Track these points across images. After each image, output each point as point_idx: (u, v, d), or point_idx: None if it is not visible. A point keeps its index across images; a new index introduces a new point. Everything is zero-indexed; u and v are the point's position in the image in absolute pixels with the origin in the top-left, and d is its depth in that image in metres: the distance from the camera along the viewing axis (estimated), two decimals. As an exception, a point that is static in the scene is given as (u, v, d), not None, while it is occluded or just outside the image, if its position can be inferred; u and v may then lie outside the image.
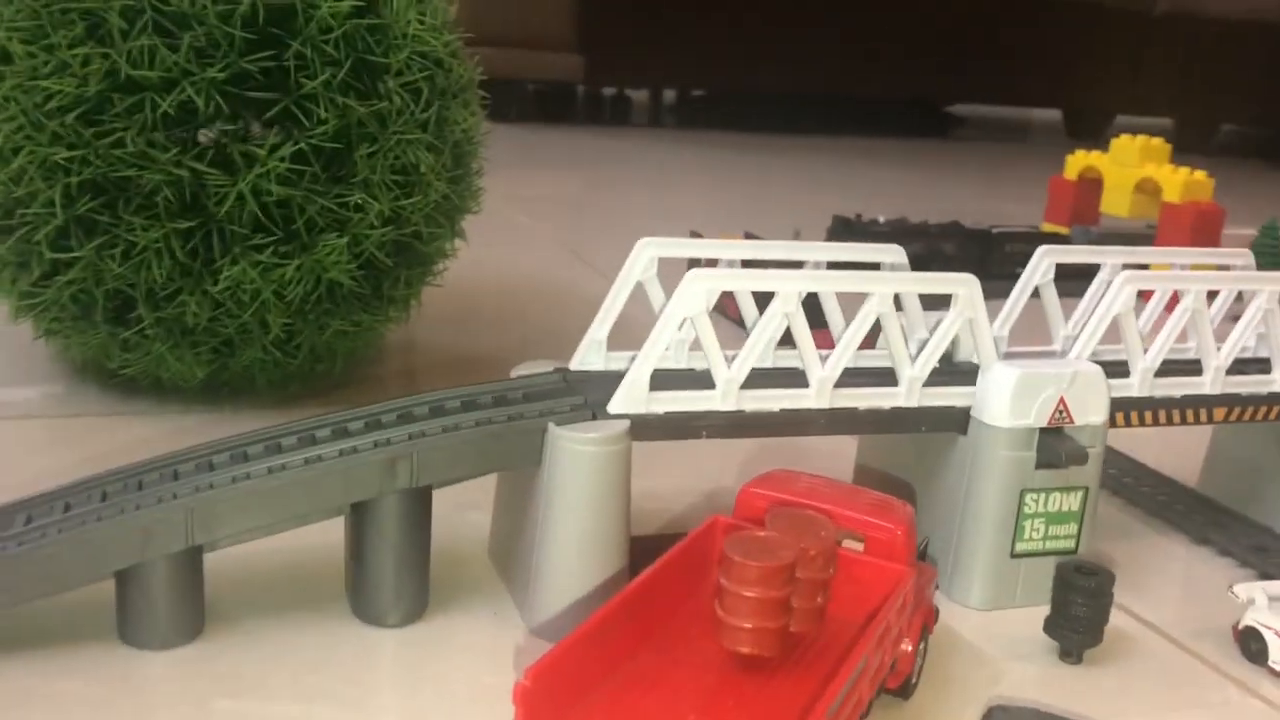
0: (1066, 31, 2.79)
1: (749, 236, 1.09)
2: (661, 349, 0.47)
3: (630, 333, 0.51)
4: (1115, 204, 1.21)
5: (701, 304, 0.46)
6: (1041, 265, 0.58)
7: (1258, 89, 2.83)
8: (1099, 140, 3.06)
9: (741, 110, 2.72)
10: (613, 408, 0.47)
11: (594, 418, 0.46)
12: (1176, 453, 0.69)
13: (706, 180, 1.86)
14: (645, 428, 0.47)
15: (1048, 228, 1.28)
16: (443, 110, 0.68)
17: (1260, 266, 1.16)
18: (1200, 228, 1.13)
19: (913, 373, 0.50)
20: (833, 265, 0.54)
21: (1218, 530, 0.61)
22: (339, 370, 0.73)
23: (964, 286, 0.50)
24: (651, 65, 2.62)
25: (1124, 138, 1.21)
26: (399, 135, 0.65)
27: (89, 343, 0.66)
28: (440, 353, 0.84)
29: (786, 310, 0.47)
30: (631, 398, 0.47)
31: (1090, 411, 0.52)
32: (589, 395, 0.48)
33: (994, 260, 1.20)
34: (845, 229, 1.14)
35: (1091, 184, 1.27)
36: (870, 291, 0.49)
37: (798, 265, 0.54)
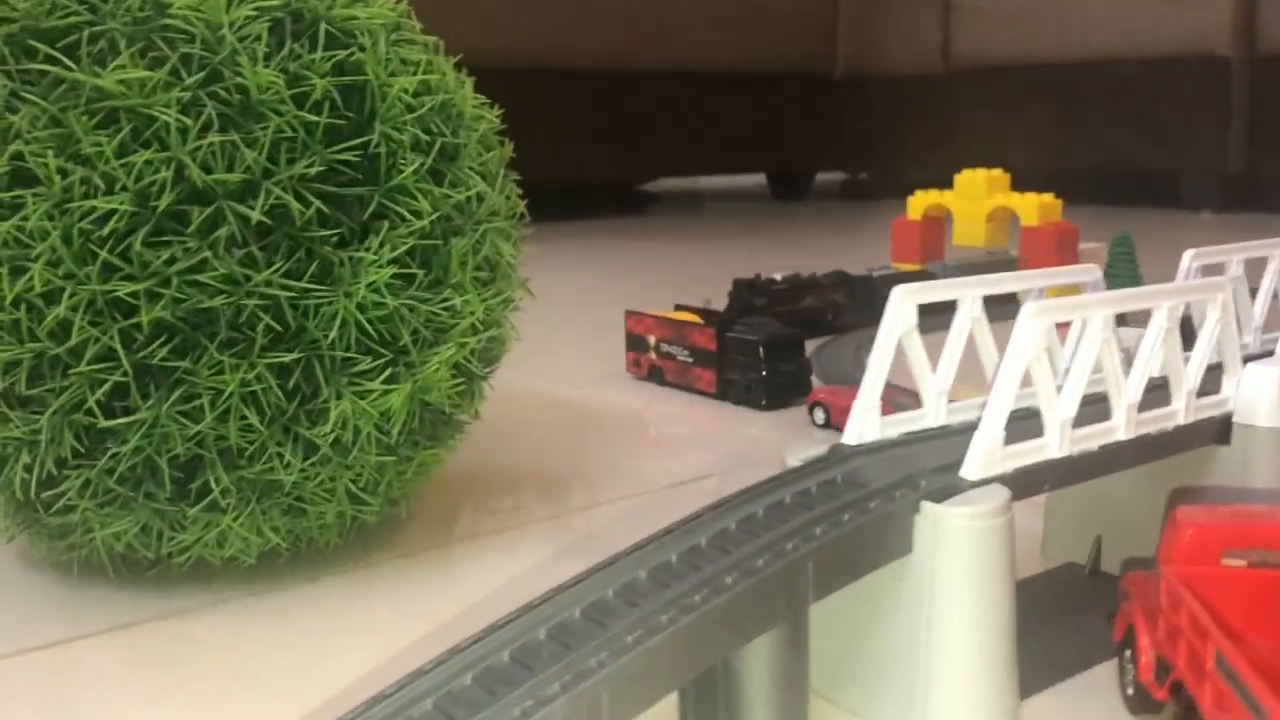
0: (758, 101, 2.94)
1: (680, 308, 1.04)
2: (1011, 400, 0.41)
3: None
4: (970, 235, 1.27)
5: (1044, 342, 0.42)
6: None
7: (931, 136, 3.10)
8: (804, 198, 3.26)
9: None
10: (968, 473, 0.41)
11: (954, 489, 0.41)
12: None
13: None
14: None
15: (905, 266, 1.31)
16: (509, 193, 0.60)
17: (1113, 275, 1.24)
18: (1062, 245, 1.20)
19: (1189, 386, 0.48)
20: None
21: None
22: (406, 511, 0.62)
23: (1222, 292, 0.49)
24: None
25: (967, 173, 1.27)
26: (483, 225, 0.56)
27: (126, 530, 0.52)
28: (483, 471, 0.73)
29: (1104, 337, 0.44)
30: (989, 459, 0.41)
31: (1330, 400, 0.51)
32: (911, 466, 0.42)
33: (877, 302, 1.22)
34: (749, 290, 1.12)
35: (935, 221, 1.33)
36: (1159, 305, 0.46)
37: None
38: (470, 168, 0.56)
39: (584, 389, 0.96)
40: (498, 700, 0.32)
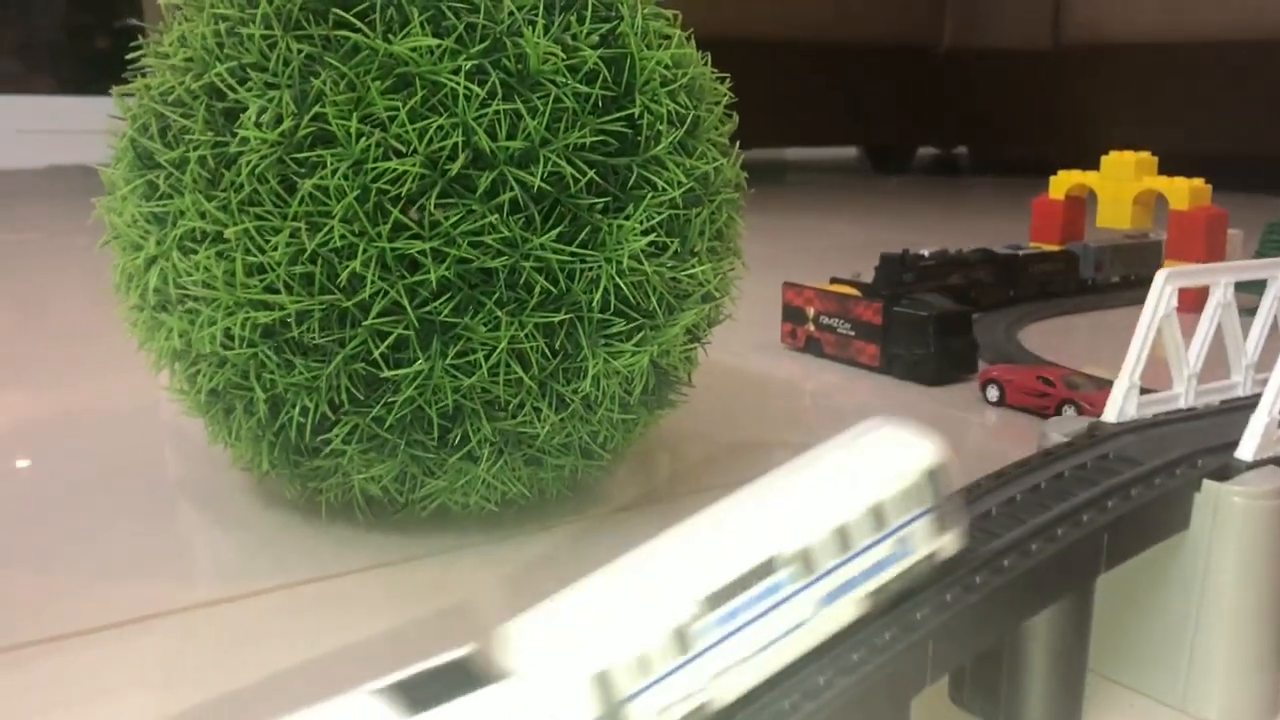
0: (858, 74, 2.92)
1: (836, 281, 1.05)
2: (1286, 385, 0.43)
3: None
4: (1115, 217, 1.26)
5: (1322, 330, 0.43)
6: None
7: (1036, 115, 3.06)
8: (904, 172, 3.24)
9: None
10: (1244, 454, 0.42)
11: (1231, 469, 0.42)
12: None
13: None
14: (1275, 472, 0.43)
15: (1045, 246, 1.31)
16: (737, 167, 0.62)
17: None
18: (1211, 230, 1.19)
19: None
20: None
21: None
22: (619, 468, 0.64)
23: None
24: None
25: (1114, 155, 1.26)
26: (719, 197, 0.58)
27: (384, 475, 0.55)
28: (669, 433, 0.75)
29: (1374, 327, 0.45)
30: (1266, 440, 0.42)
31: None
32: (1176, 445, 0.44)
33: (1022, 282, 1.22)
34: (898, 264, 1.13)
35: (1077, 202, 1.32)
36: None
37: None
38: (709, 140, 0.58)
39: (744, 357, 0.98)
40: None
